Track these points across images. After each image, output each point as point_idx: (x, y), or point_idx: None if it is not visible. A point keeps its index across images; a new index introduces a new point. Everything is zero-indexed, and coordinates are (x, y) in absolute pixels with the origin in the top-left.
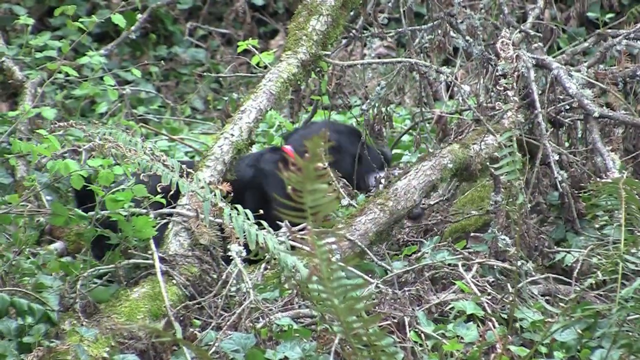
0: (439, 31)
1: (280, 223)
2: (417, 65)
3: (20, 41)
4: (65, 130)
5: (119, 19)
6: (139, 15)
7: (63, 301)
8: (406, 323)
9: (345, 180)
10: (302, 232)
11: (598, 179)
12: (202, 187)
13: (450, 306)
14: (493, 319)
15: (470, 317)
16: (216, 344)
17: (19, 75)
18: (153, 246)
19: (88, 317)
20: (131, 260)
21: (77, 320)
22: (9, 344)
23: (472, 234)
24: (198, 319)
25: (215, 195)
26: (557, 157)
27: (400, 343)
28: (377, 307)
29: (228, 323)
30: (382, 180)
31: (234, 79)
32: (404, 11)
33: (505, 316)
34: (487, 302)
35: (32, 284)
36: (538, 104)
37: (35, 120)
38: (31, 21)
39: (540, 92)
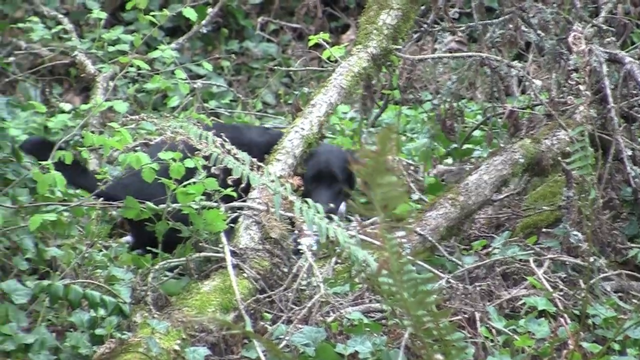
0: (511, 25)
1: None
2: (489, 59)
3: (93, 35)
4: (137, 124)
5: (190, 13)
6: (210, 10)
7: (135, 294)
8: (477, 318)
9: None
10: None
11: None
12: (273, 181)
13: (521, 302)
14: (565, 315)
15: (542, 313)
16: (287, 338)
17: (92, 69)
18: (224, 239)
19: (159, 309)
20: (202, 254)
21: (148, 312)
22: (81, 336)
23: (543, 230)
24: (269, 313)
25: (285, 188)
26: (630, 153)
27: (471, 338)
28: (447, 302)
29: (299, 317)
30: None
31: (304, 73)
32: (475, 5)
33: (577, 312)
34: (558, 298)
35: (104, 276)
36: (611, 99)
37: (107, 114)
38: (104, 15)
39: (612, 86)
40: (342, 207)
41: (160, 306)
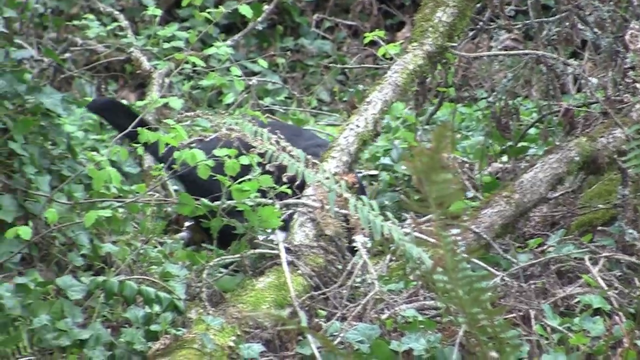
0: (567, 23)
1: None
2: (544, 57)
3: (149, 32)
4: (192, 120)
5: (246, 10)
6: (266, 7)
7: (189, 290)
8: (532, 316)
9: None
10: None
11: None
12: (328, 178)
13: (576, 300)
14: (620, 313)
15: (597, 311)
16: (341, 335)
17: (147, 65)
18: (279, 236)
19: (214, 306)
20: (257, 250)
21: (203, 309)
22: (136, 332)
23: (598, 228)
24: (323, 310)
25: (340, 186)
26: None
27: (526, 336)
28: (502, 300)
29: (353, 314)
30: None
31: (360, 70)
32: (531, 3)
33: (632, 311)
34: (614, 296)
35: (159, 272)
36: None
37: (163, 110)
38: (159, 12)
39: None
40: None
41: (215, 302)
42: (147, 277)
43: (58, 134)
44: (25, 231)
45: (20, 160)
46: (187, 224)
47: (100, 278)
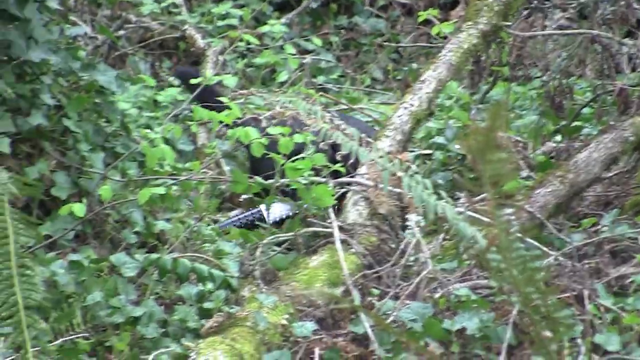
0: (622, 2)
1: None
2: (599, 37)
3: (202, 9)
4: (246, 98)
5: None
6: None
7: (243, 268)
8: (585, 296)
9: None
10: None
11: None
12: (382, 157)
13: (630, 279)
14: None
15: None
16: (394, 313)
17: (201, 43)
18: (332, 215)
19: (268, 284)
20: (310, 229)
21: (256, 287)
22: (189, 309)
23: None
24: (376, 288)
25: (394, 164)
26: None
27: (579, 315)
28: (556, 279)
29: (406, 292)
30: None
31: (414, 49)
32: None
33: None
34: None
35: (213, 250)
36: None
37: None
38: None
39: None
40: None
41: (268, 281)
42: (201, 255)
43: (112, 112)
44: (79, 208)
45: (74, 137)
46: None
47: (154, 255)
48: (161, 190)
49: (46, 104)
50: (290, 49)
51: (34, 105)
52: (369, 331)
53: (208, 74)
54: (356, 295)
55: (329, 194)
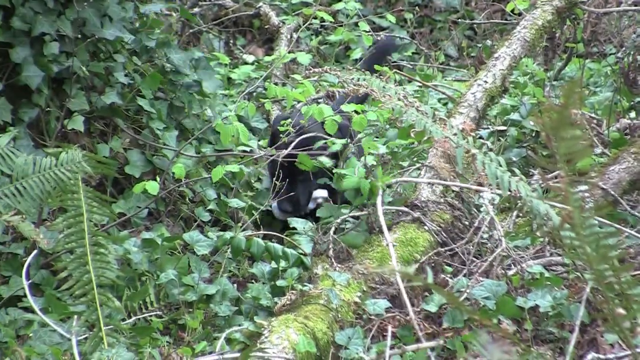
0: None
1: None
2: None
3: None
4: (320, 76)
5: None
6: None
7: (316, 247)
8: None
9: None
10: (556, 180)
11: None
12: (455, 134)
13: None
14: None
15: None
16: (467, 291)
17: (275, 20)
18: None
19: (341, 262)
20: (385, 207)
21: (329, 265)
22: (262, 287)
23: None
24: (449, 265)
25: (468, 141)
26: None
27: None
28: (630, 256)
29: (479, 270)
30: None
31: (488, 26)
32: None
33: None
34: None
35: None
36: None
37: (290, 66)
38: None
39: None
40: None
41: (341, 259)
42: (274, 233)
43: (187, 91)
44: (152, 186)
45: (148, 115)
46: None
47: (228, 234)
48: (234, 168)
49: (120, 83)
50: (364, 26)
51: (108, 83)
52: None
53: (282, 51)
54: (429, 273)
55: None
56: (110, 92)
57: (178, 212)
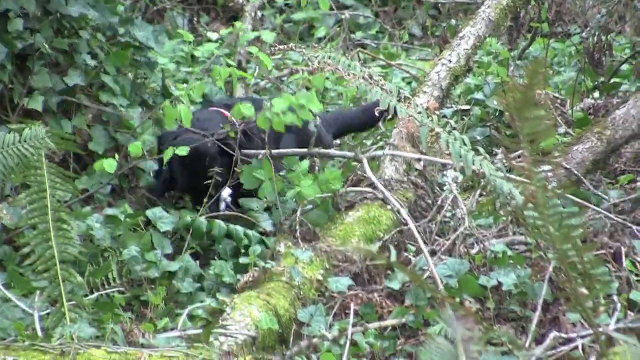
0: None
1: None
2: None
3: None
4: (284, 54)
5: None
6: None
7: (280, 226)
8: (622, 252)
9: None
10: (519, 159)
11: None
12: (420, 113)
13: None
14: None
15: None
16: (429, 269)
17: None
18: (368, 170)
19: (307, 243)
20: (349, 189)
21: (292, 243)
22: (225, 264)
23: None
24: (412, 244)
25: (432, 120)
26: None
27: (616, 272)
28: (592, 236)
29: (442, 249)
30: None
31: (452, 5)
32: None
33: None
34: None
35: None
36: None
37: (255, 43)
38: None
39: None
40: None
41: (307, 239)
42: (236, 213)
43: (149, 67)
44: (110, 164)
45: (112, 92)
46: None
47: (188, 217)
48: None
49: (85, 63)
50: (327, 5)
51: (72, 62)
52: None
53: (243, 26)
54: (393, 251)
55: (338, 177)
56: (73, 73)
57: (140, 188)
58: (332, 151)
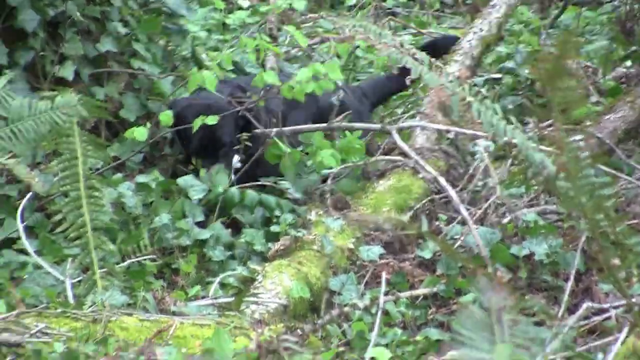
0: None
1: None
2: None
3: None
4: (315, 22)
5: None
6: None
7: (311, 195)
8: None
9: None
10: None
11: None
12: (451, 81)
13: None
14: None
15: None
16: (461, 238)
17: None
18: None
19: (339, 210)
20: (379, 157)
21: (324, 211)
22: (256, 233)
23: None
24: (444, 213)
25: (463, 89)
26: None
27: None
28: (625, 206)
29: (474, 218)
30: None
31: None
32: None
33: None
34: None
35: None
36: None
37: (287, 12)
38: None
39: None
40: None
41: (339, 209)
42: (266, 183)
43: (181, 35)
44: (141, 132)
45: (144, 60)
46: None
47: (220, 187)
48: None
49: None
50: None
51: (104, 30)
52: None
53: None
54: (424, 220)
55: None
56: (106, 40)
57: (172, 156)
58: (356, 124)
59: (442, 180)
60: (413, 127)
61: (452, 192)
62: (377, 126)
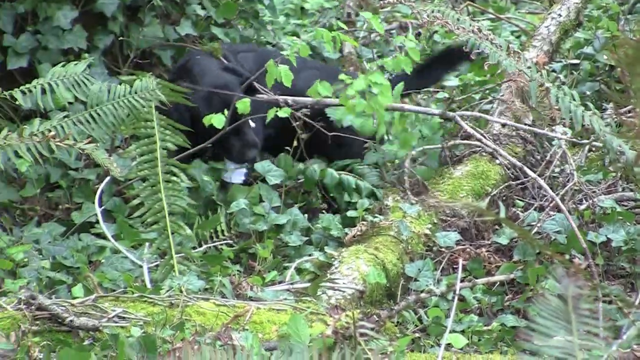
0: None
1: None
2: None
3: None
4: (393, 7)
5: None
6: None
7: (387, 179)
8: None
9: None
10: (629, 115)
11: None
12: (530, 67)
13: None
14: None
15: None
16: (538, 225)
17: None
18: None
19: (416, 195)
20: (457, 142)
21: (401, 197)
22: (333, 218)
23: None
24: (521, 200)
25: (541, 75)
26: None
27: None
28: None
29: (551, 204)
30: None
31: None
32: None
33: None
34: None
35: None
36: None
37: None
38: None
39: None
40: None
41: (416, 192)
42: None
43: (259, 23)
44: (218, 119)
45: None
46: None
47: (301, 165)
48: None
49: (195, 13)
50: None
51: (183, 14)
52: None
53: None
54: (501, 206)
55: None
56: (185, 23)
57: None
58: (413, 107)
59: (524, 167)
60: (475, 117)
61: (540, 180)
62: (437, 111)
